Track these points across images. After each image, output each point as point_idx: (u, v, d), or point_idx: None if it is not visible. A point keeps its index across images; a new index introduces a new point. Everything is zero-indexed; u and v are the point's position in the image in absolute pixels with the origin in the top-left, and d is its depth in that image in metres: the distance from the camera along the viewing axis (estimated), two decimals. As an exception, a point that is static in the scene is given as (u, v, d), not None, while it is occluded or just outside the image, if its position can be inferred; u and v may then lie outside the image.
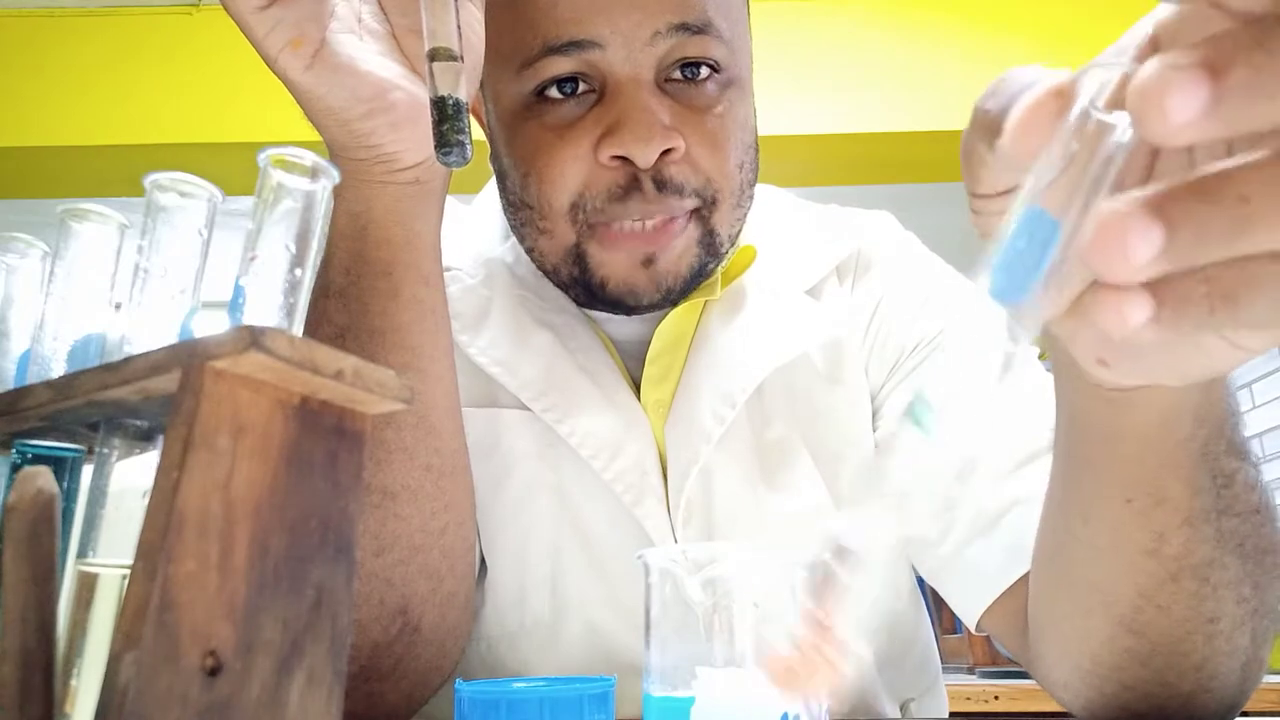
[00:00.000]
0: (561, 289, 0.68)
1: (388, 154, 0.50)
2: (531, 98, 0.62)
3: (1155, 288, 0.22)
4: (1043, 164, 0.23)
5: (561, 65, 0.60)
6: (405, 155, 0.50)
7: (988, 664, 2.01)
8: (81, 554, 0.24)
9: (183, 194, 0.26)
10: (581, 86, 0.61)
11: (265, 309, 0.24)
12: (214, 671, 0.20)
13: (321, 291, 0.52)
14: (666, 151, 0.60)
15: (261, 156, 0.25)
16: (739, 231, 0.67)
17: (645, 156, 0.59)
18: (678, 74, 0.62)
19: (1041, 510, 0.51)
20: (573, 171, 0.61)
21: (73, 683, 0.23)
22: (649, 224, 0.61)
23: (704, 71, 0.62)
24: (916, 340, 0.69)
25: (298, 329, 0.25)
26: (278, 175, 0.25)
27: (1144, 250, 0.21)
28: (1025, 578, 0.57)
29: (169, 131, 2.55)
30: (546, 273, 0.67)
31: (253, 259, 0.24)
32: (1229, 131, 0.21)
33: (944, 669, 0.78)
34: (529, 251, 0.67)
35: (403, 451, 0.53)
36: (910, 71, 2.55)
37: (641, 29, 0.59)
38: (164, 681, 0.19)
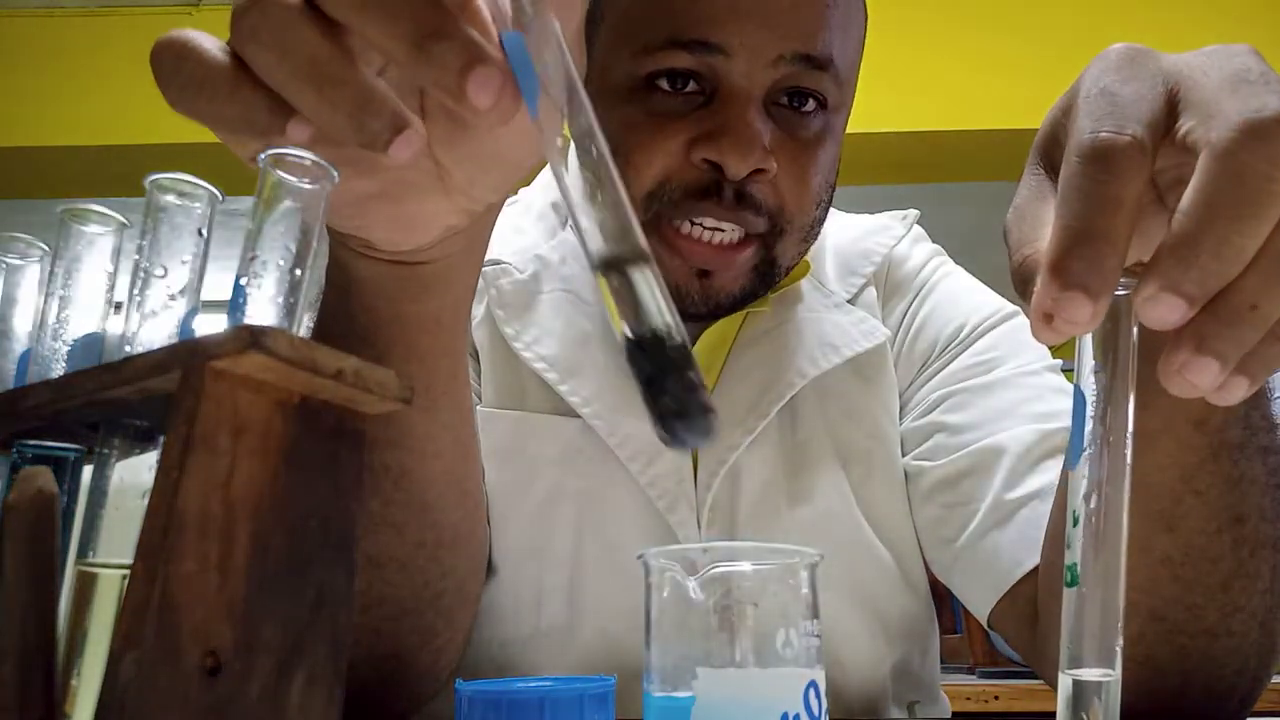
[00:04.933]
0: None
1: (354, 236, 0.40)
2: (641, 82, 0.62)
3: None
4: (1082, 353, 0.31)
5: (681, 60, 0.61)
6: (381, 242, 0.40)
7: (988, 664, 2.00)
8: (81, 554, 0.24)
9: (183, 194, 0.26)
10: (691, 85, 0.62)
11: (265, 309, 0.24)
12: (214, 671, 0.20)
13: (318, 331, 0.46)
14: (758, 171, 0.61)
15: (261, 156, 0.25)
16: (797, 264, 0.68)
17: (739, 168, 0.60)
18: (784, 100, 0.63)
19: None
20: (660, 163, 0.61)
21: (73, 683, 0.23)
22: (717, 238, 0.62)
23: (810, 105, 0.63)
24: (947, 340, 0.71)
25: (298, 329, 0.25)
26: (278, 175, 0.25)
27: (1210, 377, 0.28)
28: (1037, 570, 0.58)
29: (169, 131, 2.55)
30: None
31: (253, 259, 0.24)
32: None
33: (944, 669, 0.79)
34: None
35: (390, 526, 0.48)
36: (912, 71, 2.55)
37: (768, 48, 0.60)
38: (164, 681, 0.19)
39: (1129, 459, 0.30)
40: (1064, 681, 0.30)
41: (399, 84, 0.35)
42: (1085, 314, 0.28)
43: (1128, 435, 0.30)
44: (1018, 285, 0.32)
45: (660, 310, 0.24)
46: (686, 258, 0.62)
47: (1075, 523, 0.30)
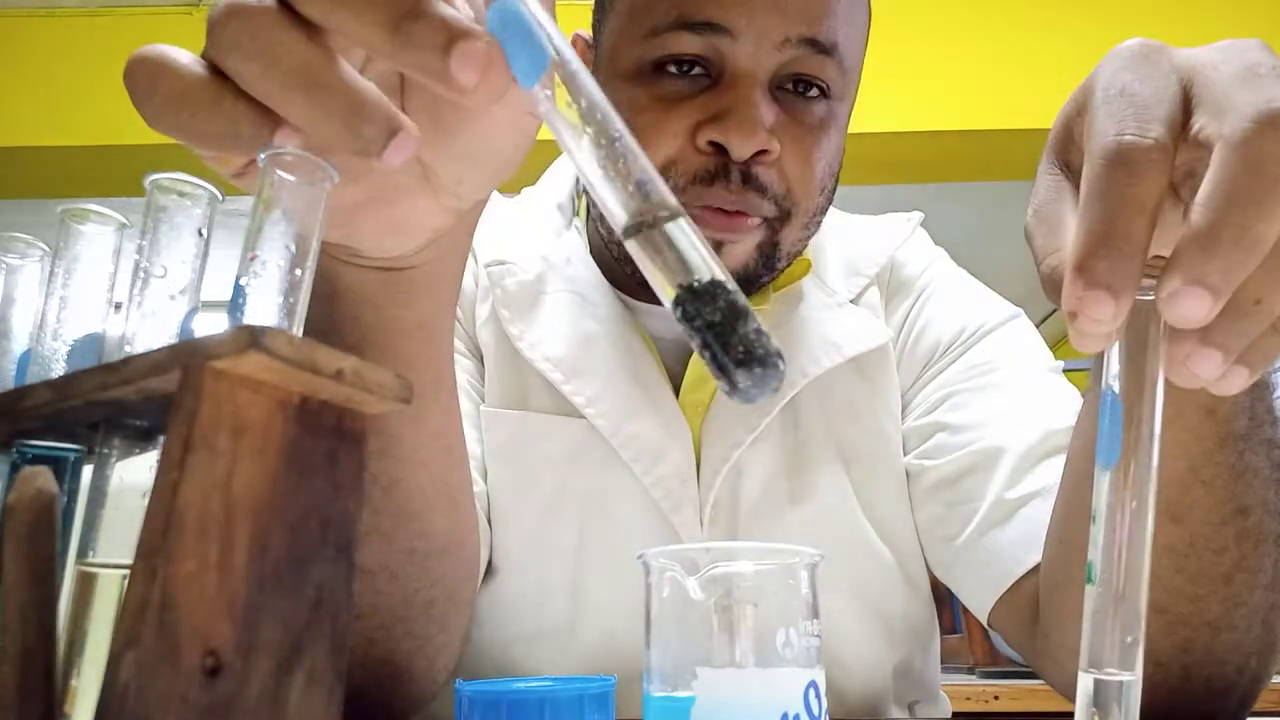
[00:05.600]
0: (619, 263, 0.69)
1: (341, 245, 0.39)
2: (649, 67, 0.63)
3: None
4: (1110, 355, 0.32)
5: (689, 43, 0.61)
6: (370, 249, 0.39)
7: (988, 664, 2.00)
8: (81, 554, 0.24)
9: (183, 194, 0.26)
10: (697, 69, 0.62)
11: (265, 309, 0.24)
12: (214, 671, 0.20)
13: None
14: (762, 152, 0.61)
15: (261, 156, 0.25)
16: (799, 252, 0.68)
17: (743, 149, 0.60)
18: (789, 85, 0.63)
19: (1077, 445, 0.52)
20: (666, 148, 0.62)
21: (73, 683, 0.23)
22: (726, 208, 0.62)
23: (814, 91, 0.64)
24: (949, 342, 0.71)
25: (298, 329, 0.25)
26: (277, 175, 0.25)
27: (1213, 368, 0.29)
28: (1038, 569, 0.58)
29: (169, 131, 2.55)
30: (610, 245, 0.68)
31: (253, 259, 0.24)
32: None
33: (944, 669, 0.79)
34: (599, 218, 0.67)
35: (378, 533, 0.47)
36: (913, 71, 2.55)
37: (775, 31, 0.61)
38: (164, 681, 0.19)
39: (1155, 460, 0.30)
40: (1084, 681, 0.30)
41: (380, 85, 0.34)
42: (1108, 312, 0.29)
43: (1154, 437, 0.30)
44: (1049, 292, 0.32)
45: (705, 259, 0.23)
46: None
47: (1095, 520, 0.30)
